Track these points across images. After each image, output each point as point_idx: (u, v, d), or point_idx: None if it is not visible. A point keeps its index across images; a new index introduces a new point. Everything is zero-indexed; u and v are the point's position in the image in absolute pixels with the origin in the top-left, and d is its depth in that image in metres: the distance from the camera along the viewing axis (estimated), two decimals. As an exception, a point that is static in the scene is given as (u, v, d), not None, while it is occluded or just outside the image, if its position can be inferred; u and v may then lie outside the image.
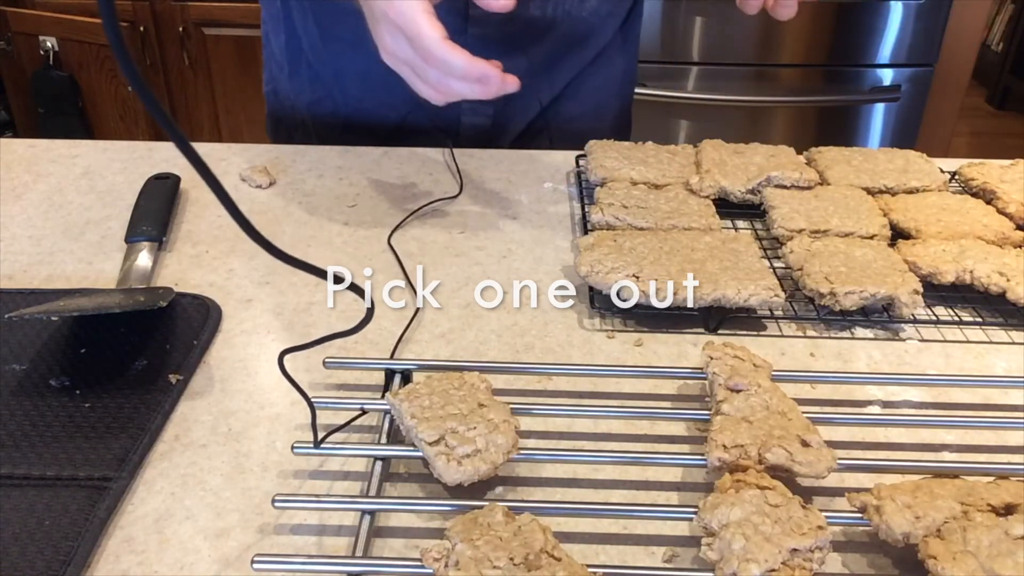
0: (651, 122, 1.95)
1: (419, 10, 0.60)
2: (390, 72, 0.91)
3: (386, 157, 0.88)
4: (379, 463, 0.49)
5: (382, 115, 0.95)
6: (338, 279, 0.44)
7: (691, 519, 0.45)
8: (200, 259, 0.70)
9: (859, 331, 0.63)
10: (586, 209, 0.74)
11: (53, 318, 0.60)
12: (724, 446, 0.47)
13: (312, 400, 0.47)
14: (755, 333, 0.63)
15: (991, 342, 0.62)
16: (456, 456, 0.46)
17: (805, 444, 0.47)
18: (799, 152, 0.82)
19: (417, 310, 0.64)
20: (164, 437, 0.52)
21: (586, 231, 0.72)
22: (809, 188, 0.76)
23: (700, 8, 1.86)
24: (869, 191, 0.77)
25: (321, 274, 0.41)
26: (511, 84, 0.62)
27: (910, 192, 0.77)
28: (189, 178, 0.80)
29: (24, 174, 0.83)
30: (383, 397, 0.52)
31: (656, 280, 0.61)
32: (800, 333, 0.63)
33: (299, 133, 1.00)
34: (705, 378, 0.54)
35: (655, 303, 0.61)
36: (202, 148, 0.88)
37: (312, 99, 0.97)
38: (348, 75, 0.94)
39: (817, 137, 2.10)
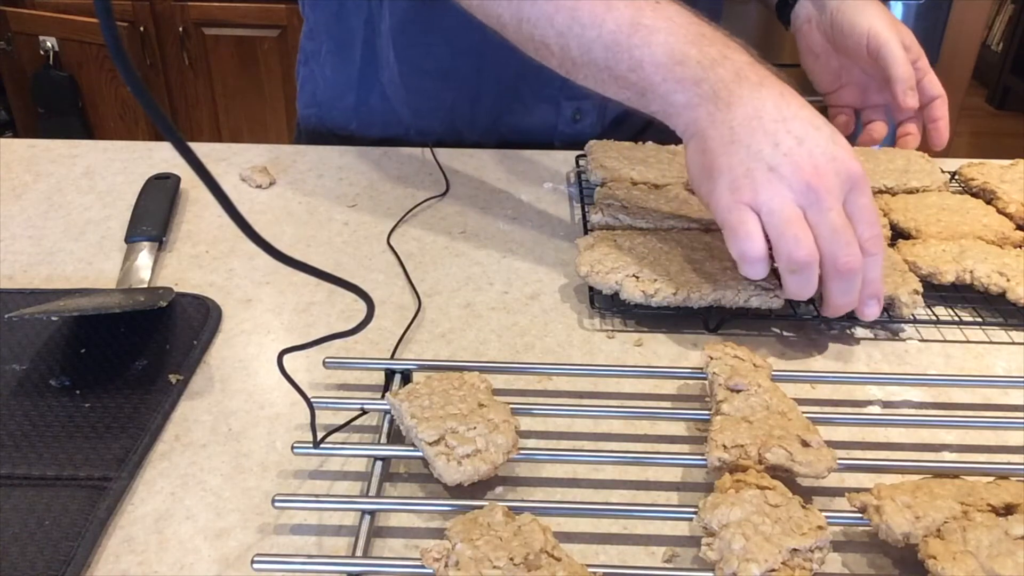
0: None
1: None
2: (478, 105, 0.89)
3: (386, 157, 0.87)
4: (379, 463, 0.49)
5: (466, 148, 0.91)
6: (336, 281, 0.44)
7: (691, 519, 0.44)
8: (200, 259, 0.70)
9: (859, 331, 0.63)
10: (586, 209, 0.74)
11: (53, 318, 0.60)
12: (724, 446, 0.47)
13: (312, 400, 0.47)
14: (755, 333, 0.63)
15: (991, 342, 0.62)
16: (456, 456, 0.46)
17: (805, 444, 0.47)
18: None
19: (417, 310, 0.64)
20: (164, 437, 0.52)
21: (586, 231, 0.72)
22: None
23: (700, 8, 1.86)
24: None
25: (321, 276, 0.41)
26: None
27: (910, 192, 0.77)
28: (189, 178, 0.80)
29: (24, 174, 0.83)
30: (383, 397, 0.52)
31: (656, 280, 0.61)
32: (800, 333, 0.63)
33: None
34: (705, 378, 0.54)
35: (655, 303, 0.61)
36: (202, 148, 0.88)
37: (384, 135, 0.93)
38: (429, 111, 0.90)
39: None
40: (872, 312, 0.58)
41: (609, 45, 0.59)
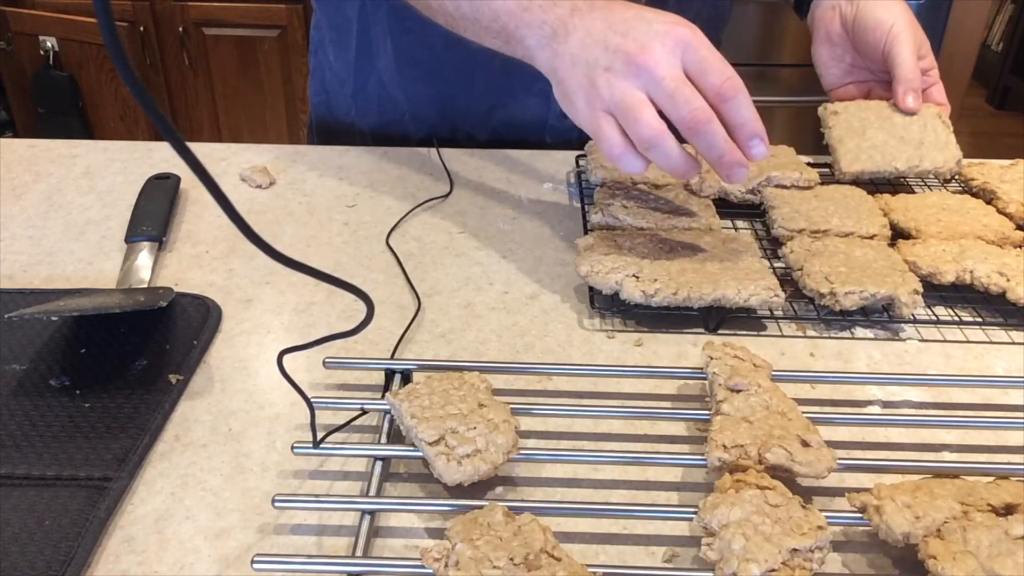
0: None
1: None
2: (471, 96, 0.90)
3: (386, 157, 0.88)
4: (379, 463, 0.49)
5: (459, 139, 0.92)
6: (336, 281, 0.44)
7: (691, 519, 0.45)
8: (200, 259, 0.70)
9: (859, 331, 0.63)
10: (586, 209, 0.74)
11: (53, 318, 0.60)
12: (724, 446, 0.47)
13: (312, 400, 0.47)
14: (755, 333, 0.63)
15: (991, 342, 0.62)
16: (456, 456, 0.46)
17: (805, 444, 0.47)
18: (799, 152, 0.82)
19: (417, 310, 0.64)
20: (164, 437, 0.52)
21: (586, 231, 0.72)
22: (809, 188, 0.76)
23: (707, 7, 1.86)
24: (872, 186, 0.77)
25: (321, 276, 0.41)
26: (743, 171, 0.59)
27: (919, 175, 0.76)
28: (189, 178, 0.80)
29: (24, 174, 0.83)
30: (383, 397, 0.52)
31: (656, 280, 0.61)
32: (800, 333, 0.63)
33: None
34: (705, 378, 0.54)
35: (655, 303, 0.61)
36: (202, 148, 0.88)
37: (381, 122, 0.94)
38: (423, 100, 0.91)
39: (817, 137, 2.10)
40: (758, 151, 0.58)
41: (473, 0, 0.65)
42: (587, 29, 0.60)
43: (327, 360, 0.55)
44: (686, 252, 0.65)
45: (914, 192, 0.80)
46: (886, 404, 0.56)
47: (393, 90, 0.92)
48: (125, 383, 0.55)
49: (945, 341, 0.62)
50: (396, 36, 0.88)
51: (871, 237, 0.69)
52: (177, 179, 0.79)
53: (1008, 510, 0.43)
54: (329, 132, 0.98)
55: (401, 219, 0.76)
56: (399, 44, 0.88)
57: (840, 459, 0.47)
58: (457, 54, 0.87)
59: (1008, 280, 0.63)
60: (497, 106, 0.91)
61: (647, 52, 0.57)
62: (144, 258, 0.68)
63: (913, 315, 0.63)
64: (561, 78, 0.62)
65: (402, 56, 0.89)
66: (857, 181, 0.78)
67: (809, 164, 0.81)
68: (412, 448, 0.48)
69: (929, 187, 0.82)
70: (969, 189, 0.79)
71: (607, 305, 0.64)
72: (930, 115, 0.79)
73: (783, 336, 0.63)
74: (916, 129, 0.79)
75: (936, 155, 0.77)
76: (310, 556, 0.44)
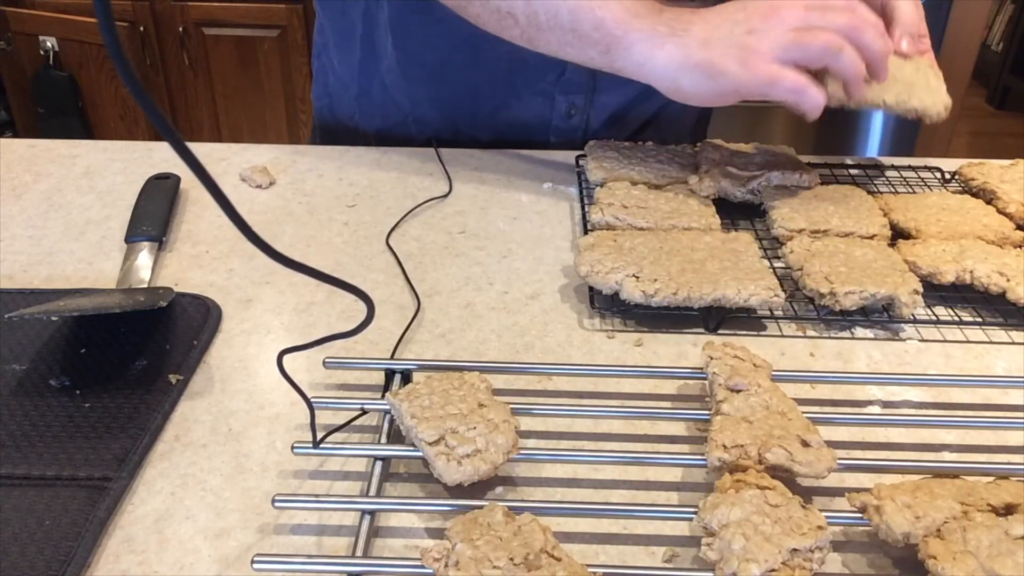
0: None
1: None
2: (474, 98, 0.91)
3: (385, 157, 0.88)
4: (379, 463, 0.49)
5: (463, 141, 0.92)
6: (336, 282, 0.44)
7: (691, 519, 0.45)
8: (200, 259, 0.70)
9: (859, 331, 0.63)
10: (586, 209, 0.74)
11: (53, 318, 0.60)
12: (724, 446, 0.47)
13: (312, 400, 0.47)
14: (755, 333, 0.63)
15: (991, 342, 0.62)
16: (456, 456, 0.46)
17: (805, 444, 0.47)
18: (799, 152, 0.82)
19: (417, 310, 0.64)
20: (164, 437, 0.52)
21: (586, 231, 0.72)
22: (809, 188, 0.76)
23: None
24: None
25: (321, 277, 0.41)
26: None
27: (905, 114, 0.75)
28: (189, 178, 0.80)
29: (24, 174, 0.83)
30: (383, 397, 0.52)
31: (656, 280, 0.61)
32: (800, 333, 0.63)
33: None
34: (705, 378, 0.54)
35: (655, 303, 0.61)
36: (202, 148, 0.88)
37: (384, 125, 0.94)
38: (427, 103, 0.92)
39: (817, 137, 2.10)
40: (906, 44, 0.71)
41: (573, 8, 0.68)
42: (704, 19, 0.66)
43: (327, 360, 0.55)
44: (686, 252, 0.65)
45: (914, 192, 0.80)
46: (886, 404, 0.56)
47: (397, 93, 0.92)
48: (125, 383, 0.55)
49: (945, 341, 0.62)
50: (400, 39, 0.88)
51: (871, 237, 0.69)
52: (177, 179, 0.79)
53: (1008, 510, 0.43)
54: (332, 135, 0.98)
55: (401, 219, 0.76)
56: (402, 47, 0.88)
57: (840, 459, 0.47)
58: (461, 57, 0.87)
59: (1008, 280, 0.63)
60: (501, 107, 0.91)
61: (779, 8, 0.64)
62: (144, 258, 0.68)
63: (913, 315, 0.63)
64: (698, 61, 0.65)
65: (406, 59, 0.89)
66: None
67: (809, 164, 0.81)
68: (412, 448, 0.48)
69: (929, 187, 0.82)
70: (969, 189, 0.79)
71: (607, 305, 0.64)
72: (923, 63, 0.76)
73: (783, 336, 0.63)
74: (909, 71, 0.76)
75: (925, 96, 0.74)
76: (310, 556, 0.44)
